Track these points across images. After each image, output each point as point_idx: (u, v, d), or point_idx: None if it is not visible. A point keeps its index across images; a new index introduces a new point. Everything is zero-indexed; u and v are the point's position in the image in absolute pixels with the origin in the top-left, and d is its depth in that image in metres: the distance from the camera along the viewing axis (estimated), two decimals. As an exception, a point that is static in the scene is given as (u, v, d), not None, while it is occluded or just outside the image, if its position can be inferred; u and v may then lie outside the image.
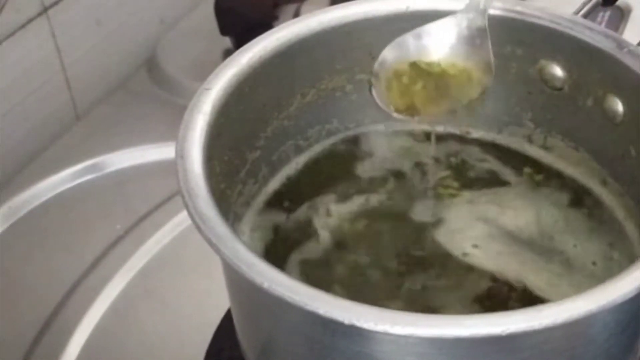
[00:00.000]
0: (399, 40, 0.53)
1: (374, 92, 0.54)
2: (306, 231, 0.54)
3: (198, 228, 0.43)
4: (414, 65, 0.53)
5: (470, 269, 0.52)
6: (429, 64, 0.53)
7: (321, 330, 0.42)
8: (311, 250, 0.53)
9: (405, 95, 0.53)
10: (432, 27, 0.54)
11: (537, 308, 0.40)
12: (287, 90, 0.55)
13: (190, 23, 0.91)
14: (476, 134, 0.59)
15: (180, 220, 0.69)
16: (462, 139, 0.59)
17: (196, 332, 0.60)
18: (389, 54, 0.53)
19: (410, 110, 0.53)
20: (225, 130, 0.50)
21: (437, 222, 0.54)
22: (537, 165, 0.57)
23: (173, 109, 0.77)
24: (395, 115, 0.54)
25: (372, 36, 0.55)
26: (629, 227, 0.53)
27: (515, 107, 0.58)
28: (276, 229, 0.55)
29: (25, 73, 0.76)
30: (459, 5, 0.54)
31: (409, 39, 0.54)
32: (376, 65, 0.54)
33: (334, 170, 0.58)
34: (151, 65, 0.87)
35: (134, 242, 0.69)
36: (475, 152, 0.58)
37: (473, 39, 0.53)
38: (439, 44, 0.53)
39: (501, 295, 0.50)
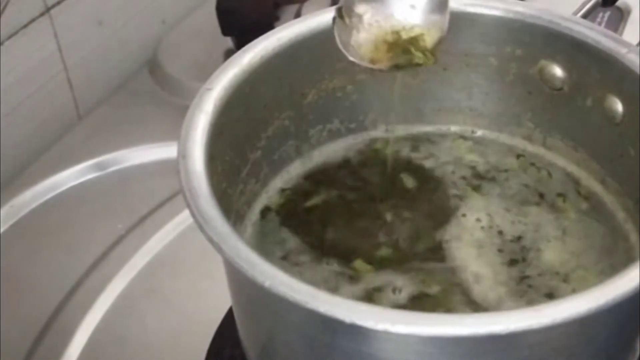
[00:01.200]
0: None
1: (335, 31, 0.52)
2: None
3: (200, 227, 0.43)
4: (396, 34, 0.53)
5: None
6: (411, 32, 0.53)
7: (322, 329, 0.42)
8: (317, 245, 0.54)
9: (372, 49, 0.52)
10: None
11: (537, 307, 0.40)
12: (288, 91, 0.55)
13: (191, 23, 0.91)
14: (479, 132, 0.60)
15: (182, 220, 0.69)
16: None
17: (198, 330, 0.60)
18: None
19: (369, 59, 0.53)
20: (227, 130, 0.50)
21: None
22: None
23: (174, 109, 0.78)
24: (351, 59, 0.53)
25: (372, 36, 0.55)
26: (628, 227, 0.53)
27: (515, 107, 0.58)
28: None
29: (28, 73, 0.76)
30: (458, 7, 0.55)
31: None
32: (343, 2, 0.52)
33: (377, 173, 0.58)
34: (153, 66, 0.87)
35: (136, 242, 0.69)
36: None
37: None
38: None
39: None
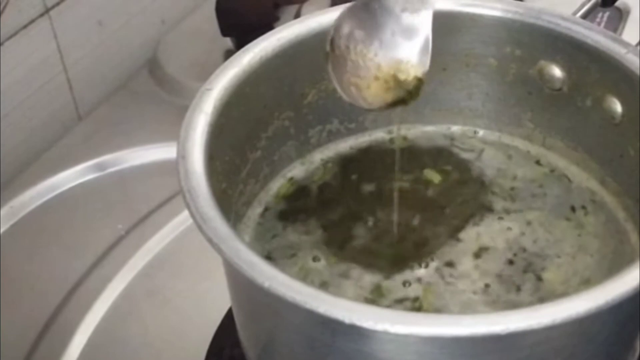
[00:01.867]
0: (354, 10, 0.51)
1: (329, 68, 0.51)
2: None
3: (199, 228, 0.43)
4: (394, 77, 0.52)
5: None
6: (407, 72, 0.52)
7: (321, 330, 0.42)
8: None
9: (366, 88, 0.52)
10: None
11: (537, 307, 0.40)
12: (287, 91, 0.55)
13: (191, 24, 0.91)
14: (482, 133, 0.60)
15: (182, 220, 0.69)
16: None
17: (197, 331, 0.60)
18: (347, 30, 0.51)
19: (363, 98, 0.52)
20: (227, 130, 0.50)
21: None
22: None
23: (174, 109, 0.78)
24: (346, 98, 0.52)
25: (372, 37, 0.55)
26: (628, 227, 0.53)
27: (514, 107, 0.58)
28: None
29: (27, 73, 0.76)
30: (457, 7, 0.55)
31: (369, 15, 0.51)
32: (333, 36, 0.51)
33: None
34: (152, 66, 0.87)
35: (136, 242, 0.69)
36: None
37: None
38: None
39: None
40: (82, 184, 0.75)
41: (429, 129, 0.60)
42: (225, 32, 0.84)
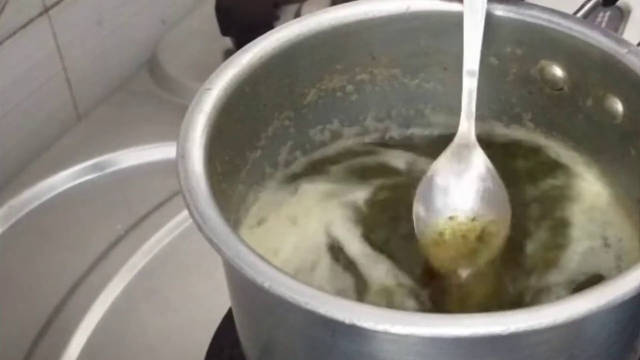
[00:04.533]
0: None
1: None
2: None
3: (199, 227, 0.43)
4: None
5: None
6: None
7: (322, 330, 0.42)
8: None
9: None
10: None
11: (537, 308, 0.40)
12: (287, 91, 0.55)
13: (191, 23, 0.91)
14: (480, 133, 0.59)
15: (181, 220, 0.69)
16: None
17: (197, 331, 0.60)
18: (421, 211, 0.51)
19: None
20: (226, 130, 0.50)
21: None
22: None
23: (174, 109, 0.78)
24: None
25: (372, 36, 0.55)
26: (629, 227, 0.53)
27: (515, 107, 0.58)
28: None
29: (26, 73, 0.76)
30: (459, 6, 0.54)
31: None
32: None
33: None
34: (152, 65, 0.87)
35: (135, 242, 0.69)
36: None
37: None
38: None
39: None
40: (82, 184, 0.75)
41: (429, 128, 0.60)
42: (225, 31, 0.84)
